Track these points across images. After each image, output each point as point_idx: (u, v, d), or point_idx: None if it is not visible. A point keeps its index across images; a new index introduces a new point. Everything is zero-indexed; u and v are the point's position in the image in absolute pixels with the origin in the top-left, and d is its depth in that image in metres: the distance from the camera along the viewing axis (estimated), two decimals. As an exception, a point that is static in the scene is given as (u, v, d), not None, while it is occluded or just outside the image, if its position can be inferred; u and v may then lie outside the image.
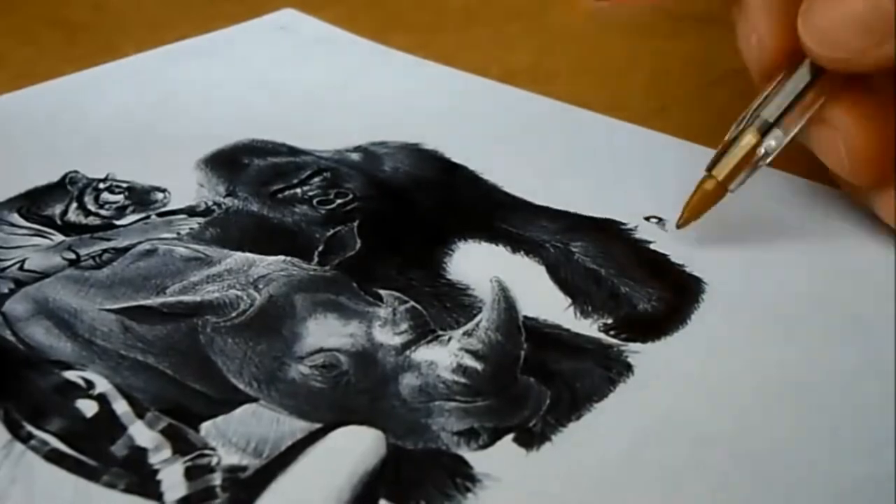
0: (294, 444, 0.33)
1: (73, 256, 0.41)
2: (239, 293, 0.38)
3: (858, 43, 0.38)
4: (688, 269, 0.41)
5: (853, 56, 0.39)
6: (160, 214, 0.44)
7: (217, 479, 0.32)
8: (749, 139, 0.42)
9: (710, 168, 0.42)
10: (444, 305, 0.39)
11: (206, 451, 0.33)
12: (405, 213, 0.45)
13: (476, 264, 0.41)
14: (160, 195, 0.45)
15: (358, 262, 0.41)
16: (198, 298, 0.38)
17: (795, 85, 0.42)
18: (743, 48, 0.44)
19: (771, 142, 0.42)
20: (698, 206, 0.42)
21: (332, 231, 0.43)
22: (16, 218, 0.43)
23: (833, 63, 0.40)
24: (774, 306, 0.40)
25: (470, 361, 0.36)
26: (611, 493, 0.32)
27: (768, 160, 0.42)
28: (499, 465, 0.33)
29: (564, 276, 0.41)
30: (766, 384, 0.36)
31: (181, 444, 0.33)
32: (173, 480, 0.32)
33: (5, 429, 0.34)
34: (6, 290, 0.39)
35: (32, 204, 0.44)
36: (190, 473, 0.32)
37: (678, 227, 0.42)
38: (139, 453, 0.33)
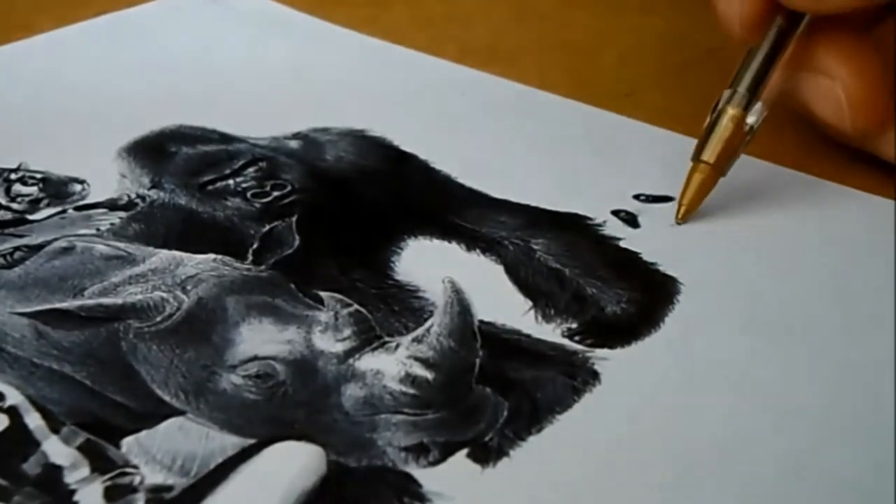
0: (225, 462, 0.33)
1: (-20, 255, 0.41)
2: (165, 295, 0.38)
3: None
4: (661, 268, 0.42)
5: None
6: (78, 208, 0.44)
7: (140, 499, 0.32)
8: (733, 113, 0.43)
9: (696, 157, 0.43)
10: (391, 309, 0.39)
11: (128, 470, 0.33)
12: (349, 208, 0.45)
13: (427, 264, 0.42)
14: (78, 187, 0.45)
15: (296, 261, 0.41)
16: (119, 301, 0.38)
17: (771, 43, 0.43)
18: (722, 8, 0.45)
19: (757, 108, 0.43)
20: (696, 196, 0.43)
21: (267, 227, 0.43)
22: (-84, 212, 0.43)
23: (805, 4, 0.42)
24: (755, 307, 0.40)
25: (419, 370, 0.36)
26: (574, 513, 0.33)
27: (756, 127, 0.43)
28: (451, 483, 0.33)
29: (524, 277, 0.41)
30: (747, 392, 0.36)
31: (100, 462, 0.33)
32: (91, 501, 0.32)
33: None
34: None
35: (-65, 197, 0.44)
36: (110, 494, 0.32)
37: (679, 222, 0.44)
38: (54, 472, 0.33)
